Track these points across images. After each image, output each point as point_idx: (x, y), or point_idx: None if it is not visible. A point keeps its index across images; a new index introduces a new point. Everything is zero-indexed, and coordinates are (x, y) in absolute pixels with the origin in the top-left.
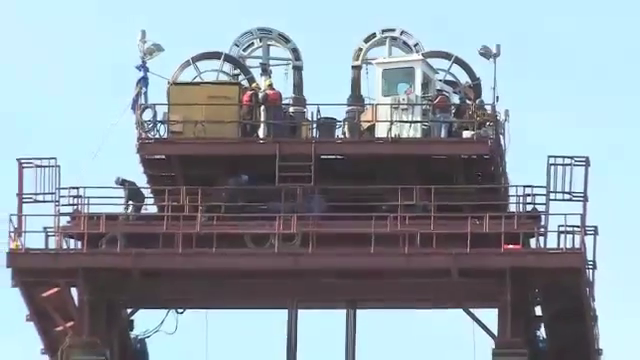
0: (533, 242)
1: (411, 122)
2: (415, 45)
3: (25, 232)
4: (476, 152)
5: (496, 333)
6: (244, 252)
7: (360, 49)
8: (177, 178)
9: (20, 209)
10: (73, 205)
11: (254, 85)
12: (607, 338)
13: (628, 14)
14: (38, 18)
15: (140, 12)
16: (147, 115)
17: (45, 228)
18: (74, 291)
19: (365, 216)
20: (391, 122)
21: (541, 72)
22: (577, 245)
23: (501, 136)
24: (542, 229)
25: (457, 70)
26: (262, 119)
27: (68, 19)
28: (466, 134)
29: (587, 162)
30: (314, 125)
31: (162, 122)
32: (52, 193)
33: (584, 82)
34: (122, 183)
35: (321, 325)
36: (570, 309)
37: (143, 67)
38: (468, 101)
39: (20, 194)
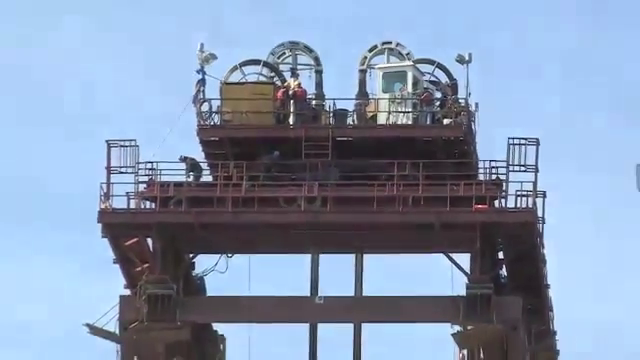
0: (497, 203)
1: (404, 112)
2: (407, 54)
3: (112, 196)
4: (453, 135)
5: (469, 272)
6: (277, 210)
7: (365, 57)
8: (227, 155)
9: (108, 179)
10: (148, 175)
11: (285, 84)
12: (553, 275)
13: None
14: (129, 29)
15: (199, 29)
16: (205, 107)
17: (127, 193)
18: (149, 241)
19: (369, 183)
20: (389, 112)
21: (502, 74)
22: (530, 205)
23: (472, 123)
24: (503, 193)
25: (439, 73)
26: (291, 110)
27: (151, 33)
28: (446, 121)
29: (537, 142)
30: (331, 114)
31: (216, 112)
32: (132, 166)
33: (538, 81)
34: (185, 159)
35: (336, 267)
36: (525, 253)
37: (202, 71)
38: (447, 96)
39: (108, 167)
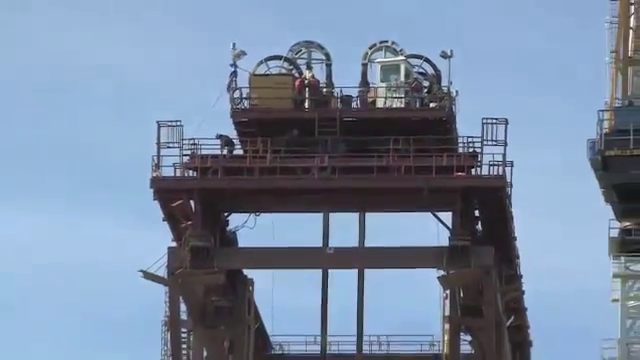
0: (473, 171)
1: (398, 98)
2: (400, 50)
3: (161, 166)
4: (438, 116)
5: (451, 227)
6: (295, 177)
7: (366, 53)
8: (255, 133)
9: (158, 152)
10: (191, 149)
11: (302, 76)
12: (519, 229)
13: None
14: (176, 34)
15: (232, 32)
16: (237, 94)
17: (174, 164)
18: (192, 202)
19: (370, 155)
20: (385, 98)
21: (478, 67)
22: (500, 173)
23: (453, 106)
24: (479, 163)
25: (426, 66)
26: (306, 96)
27: (194, 38)
28: (432, 105)
29: (506, 121)
30: (338, 100)
31: (246, 98)
32: (178, 142)
33: (507, 73)
34: (220, 136)
35: (343, 223)
36: (496, 212)
37: (234, 65)
38: (433, 85)
39: (158, 142)
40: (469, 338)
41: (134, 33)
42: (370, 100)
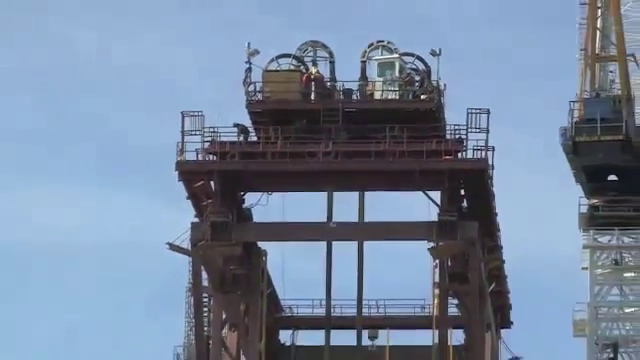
0: (459, 155)
1: (393, 91)
2: (395, 49)
3: (185, 151)
4: (428, 107)
5: (440, 204)
6: (303, 161)
7: (365, 51)
8: (267, 121)
9: (183, 139)
10: (211, 136)
11: (308, 71)
12: (500, 206)
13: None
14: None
15: (246, 33)
16: (251, 87)
17: (196, 149)
18: (212, 183)
19: (369, 141)
20: (382, 91)
21: (463, 64)
22: (483, 156)
23: (441, 98)
24: (464, 148)
25: (418, 62)
26: (312, 90)
27: (213, 39)
28: (423, 97)
29: (488, 111)
30: (341, 93)
31: (260, 91)
32: (199, 130)
33: (489, 69)
34: (237, 125)
35: (345, 201)
36: (479, 190)
37: (249, 62)
38: (424, 79)
39: (182, 130)
40: (456, 302)
41: (162, 36)
42: (368, 93)
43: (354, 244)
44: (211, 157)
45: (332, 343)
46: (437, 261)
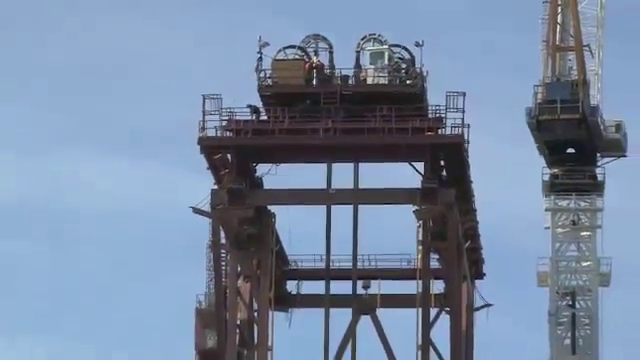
0: (440, 131)
1: (383, 76)
2: (384, 41)
3: (206, 128)
4: (413, 90)
5: (423, 173)
6: (307, 136)
7: (359, 43)
8: (276, 103)
9: (203, 118)
10: (228, 115)
11: (311, 60)
12: (474, 174)
13: None
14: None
15: (256, 29)
16: (262, 74)
17: (215, 127)
18: (229, 156)
19: (362, 120)
20: (374, 77)
21: (443, 54)
22: (460, 132)
23: (424, 83)
24: (444, 125)
25: (404, 52)
26: (314, 76)
27: (229, 34)
28: (408, 82)
29: (464, 94)
30: (338, 78)
31: (269, 77)
32: (218, 110)
33: (467, 57)
34: (250, 106)
35: (342, 172)
36: (457, 161)
37: (260, 52)
38: (409, 67)
39: (203, 111)
40: (437, 257)
41: (184, 34)
42: (362, 78)
43: (350, 208)
44: (228, 133)
45: (331, 292)
46: (420, 222)
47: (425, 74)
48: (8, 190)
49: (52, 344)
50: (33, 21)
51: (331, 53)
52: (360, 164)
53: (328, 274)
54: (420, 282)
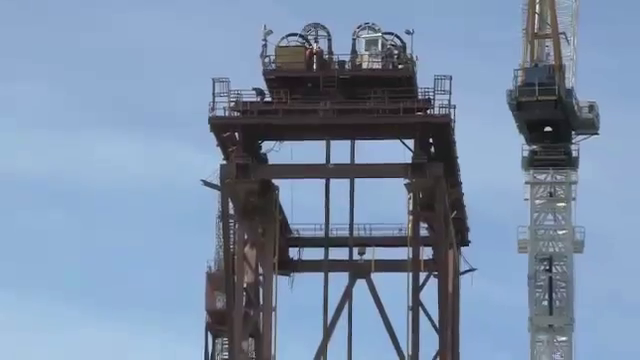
0: (429, 111)
1: (376, 62)
2: (378, 29)
3: (215, 109)
4: (404, 74)
5: (413, 150)
6: (307, 116)
7: (355, 31)
8: (279, 86)
9: (213, 99)
10: (235, 97)
11: (311, 47)
12: (460, 150)
13: None
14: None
15: (261, 18)
16: (267, 59)
17: (224, 107)
18: (236, 134)
19: (358, 101)
20: (368, 62)
21: (432, 41)
22: (447, 112)
23: (414, 67)
24: (432, 106)
25: (396, 40)
26: (314, 61)
27: (236, 23)
28: (400, 67)
29: (450, 77)
30: (336, 63)
31: (273, 62)
32: (227, 92)
33: (453, 44)
34: (255, 89)
35: (340, 148)
36: (444, 139)
37: (264, 39)
38: (400, 52)
39: (213, 92)
40: (426, 226)
41: (196, 22)
42: (358, 63)
43: (347, 181)
44: (235, 114)
45: (329, 258)
46: (411, 194)
47: (415, 59)
48: (40, 164)
49: (85, 305)
50: (65, 12)
51: (329, 40)
52: (356, 141)
53: (327, 241)
54: (410, 249)
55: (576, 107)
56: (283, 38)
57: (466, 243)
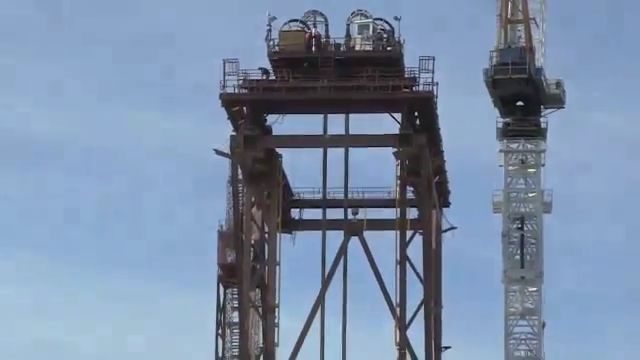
0: (414, 88)
1: (368, 44)
2: (369, 15)
3: (226, 86)
4: (392, 55)
5: (400, 122)
6: (307, 93)
7: (349, 17)
8: (282, 65)
9: (224, 77)
10: (243, 76)
11: (310, 31)
12: (442, 123)
13: None
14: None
15: (267, 6)
16: (271, 42)
17: (233, 85)
18: (244, 108)
19: (352, 79)
20: (361, 44)
21: (417, 26)
22: (430, 89)
23: (402, 49)
24: (417, 83)
25: (385, 25)
26: (313, 44)
27: (247, 9)
28: (389, 49)
29: (434, 58)
30: (332, 46)
31: (277, 45)
32: (236, 72)
33: (436, 29)
34: (261, 68)
35: (336, 121)
36: (428, 113)
37: (269, 24)
38: (389, 36)
39: (224, 72)
40: (412, 189)
41: (211, 7)
42: (351, 46)
43: (342, 149)
44: (243, 90)
45: (327, 217)
46: (399, 161)
47: (402, 42)
48: (60, 131)
49: (112, 259)
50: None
51: (326, 25)
52: (350, 115)
53: (324, 203)
54: (398, 209)
55: (544, 84)
56: (285, 23)
57: (447, 204)
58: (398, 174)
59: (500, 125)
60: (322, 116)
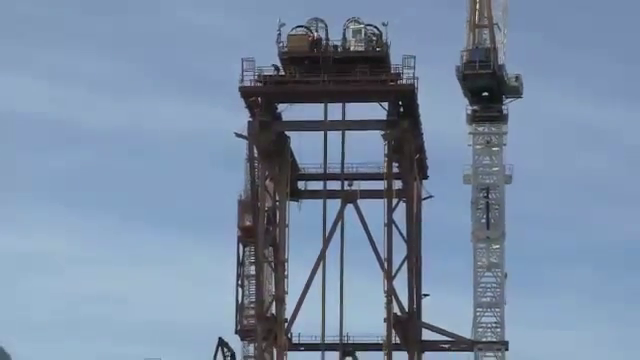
0: (399, 82)
1: (360, 45)
2: (362, 22)
3: (244, 80)
4: (381, 55)
5: (387, 110)
6: (311, 85)
7: (345, 23)
8: (290, 63)
9: (242, 73)
10: (258, 72)
11: (313, 35)
12: (422, 110)
13: None
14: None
15: (276, 12)
16: (280, 44)
17: (250, 79)
18: (259, 99)
19: (348, 74)
20: (354, 46)
21: (401, 30)
22: (412, 82)
23: (388, 49)
24: (401, 78)
25: (375, 29)
26: (315, 45)
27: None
28: (378, 49)
29: (414, 57)
30: (331, 47)
31: (286, 46)
32: (252, 68)
33: (417, 34)
34: (273, 65)
35: (334, 109)
36: (410, 102)
37: (279, 29)
38: (378, 39)
39: (242, 68)
40: (397, 164)
41: (228, 12)
42: (347, 47)
43: (339, 132)
44: (258, 84)
45: (327, 188)
46: (386, 142)
47: (389, 43)
48: (108, 118)
49: (147, 222)
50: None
51: (326, 30)
52: (347, 104)
53: (325, 176)
54: (386, 181)
55: (506, 78)
56: (293, 29)
57: (426, 177)
58: (386, 152)
59: (469, 112)
60: (323, 105)
